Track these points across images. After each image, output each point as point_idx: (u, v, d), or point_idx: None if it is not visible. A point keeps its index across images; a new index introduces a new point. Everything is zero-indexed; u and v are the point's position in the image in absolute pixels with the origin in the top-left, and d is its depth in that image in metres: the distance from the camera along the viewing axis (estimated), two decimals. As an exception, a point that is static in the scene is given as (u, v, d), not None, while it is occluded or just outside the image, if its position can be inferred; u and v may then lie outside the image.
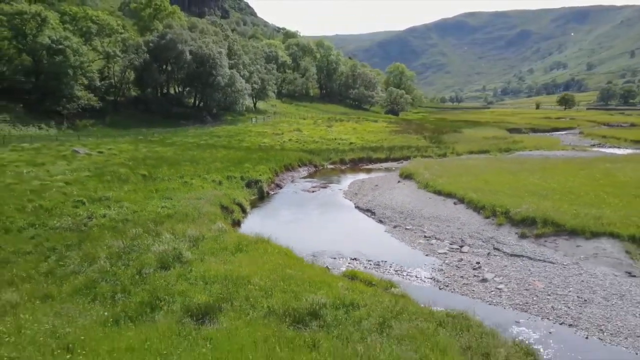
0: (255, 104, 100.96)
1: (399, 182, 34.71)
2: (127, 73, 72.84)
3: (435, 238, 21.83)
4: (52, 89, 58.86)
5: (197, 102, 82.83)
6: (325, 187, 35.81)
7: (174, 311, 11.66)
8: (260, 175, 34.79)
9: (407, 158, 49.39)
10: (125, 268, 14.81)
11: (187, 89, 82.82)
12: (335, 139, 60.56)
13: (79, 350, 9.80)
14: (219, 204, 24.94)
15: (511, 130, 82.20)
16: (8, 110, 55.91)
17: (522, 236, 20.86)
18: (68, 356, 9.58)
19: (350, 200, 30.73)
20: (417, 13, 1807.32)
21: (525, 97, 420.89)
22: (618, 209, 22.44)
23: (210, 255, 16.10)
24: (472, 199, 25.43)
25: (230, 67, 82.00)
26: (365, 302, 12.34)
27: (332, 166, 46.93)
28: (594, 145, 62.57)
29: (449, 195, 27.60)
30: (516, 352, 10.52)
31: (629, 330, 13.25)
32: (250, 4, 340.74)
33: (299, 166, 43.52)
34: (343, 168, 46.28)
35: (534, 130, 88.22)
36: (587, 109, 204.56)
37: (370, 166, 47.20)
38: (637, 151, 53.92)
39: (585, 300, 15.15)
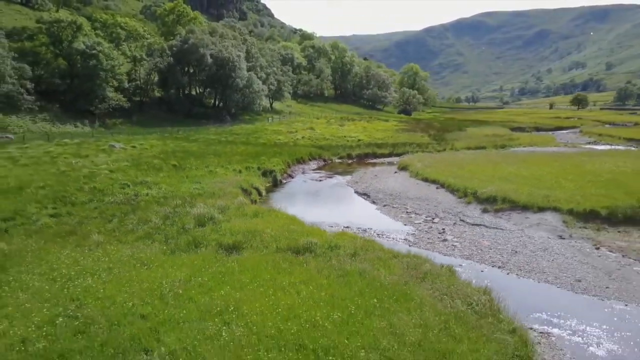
0: (271, 104, 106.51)
1: (395, 172, 39.84)
2: (152, 75, 78.83)
3: (415, 213, 26.91)
4: (86, 91, 64.78)
5: (217, 102, 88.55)
6: (331, 177, 41.00)
7: (211, 247, 16.99)
8: (274, 166, 40.10)
9: (409, 153, 54.35)
10: (172, 226, 20.17)
11: (208, 90, 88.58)
12: (345, 136, 65.71)
13: (151, 265, 15.13)
14: (239, 186, 30.26)
15: (515, 129, 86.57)
16: (47, 110, 61.86)
17: (484, 211, 25.93)
18: (145, 268, 14.91)
19: (351, 187, 35.88)
20: (434, 13, 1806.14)
21: (543, 97, 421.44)
22: (568, 190, 27.32)
23: (234, 218, 21.40)
24: (451, 183, 30.54)
25: (248, 70, 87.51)
26: (345, 244, 17.54)
27: (339, 160, 52.06)
28: (589, 143, 66.83)
29: (433, 181, 32.73)
30: (441, 269, 15.58)
31: (538, 270, 18.26)
32: (268, 6, 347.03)
33: (310, 160, 48.76)
34: (350, 162, 51.37)
35: (538, 129, 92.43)
36: (601, 109, 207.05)
37: (374, 160, 52.24)
38: (624, 148, 58.22)
39: (516, 252, 20.17)
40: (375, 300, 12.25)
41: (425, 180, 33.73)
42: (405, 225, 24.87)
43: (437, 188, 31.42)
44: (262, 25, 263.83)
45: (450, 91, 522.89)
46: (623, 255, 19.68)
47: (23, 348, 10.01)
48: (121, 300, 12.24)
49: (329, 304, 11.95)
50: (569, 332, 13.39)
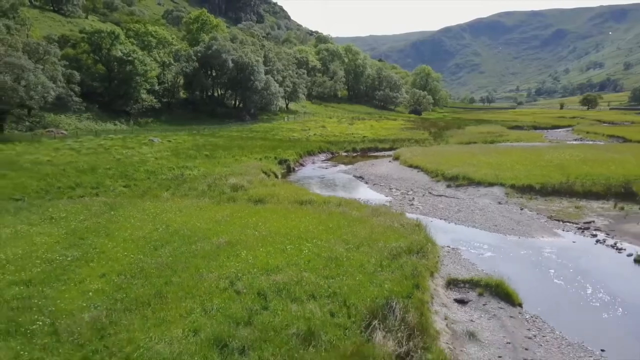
0: (287, 105, 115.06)
1: (389, 162, 47.94)
2: (178, 78, 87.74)
3: (396, 189, 34.98)
4: (122, 93, 73.71)
5: (237, 103, 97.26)
6: (335, 167, 49.16)
7: (243, 201, 25.33)
8: (288, 156, 48.41)
9: (406, 147, 62.26)
10: (214, 191, 28.55)
11: (229, 91, 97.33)
12: (352, 133, 73.84)
13: (206, 209, 23.44)
14: (260, 169, 38.59)
15: (513, 128, 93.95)
16: (89, 110, 70.75)
17: (448, 186, 33.95)
18: (202, 210, 23.21)
19: (351, 173, 44.02)
20: (451, 13, 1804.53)
21: (560, 97, 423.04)
22: (517, 172, 35.17)
23: (258, 187, 29.68)
24: (428, 167, 38.59)
25: (266, 73, 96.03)
26: (334, 200, 25.74)
27: (345, 154, 60.13)
28: (576, 140, 74.03)
29: (416, 167, 40.82)
30: (394, 212, 23.61)
31: (471, 220, 26.23)
32: (284, 8, 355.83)
33: (319, 153, 56.97)
34: (354, 155, 59.42)
35: (535, 127, 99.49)
36: (611, 108, 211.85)
37: (375, 154, 60.24)
38: (602, 143, 65.48)
39: (460, 211, 28.13)
40: (346, 223, 20.43)
41: (410, 166, 41.88)
42: (386, 196, 32.94)
43: (417, 172, 39.53)
44: (278, 28, 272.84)
45: (467, 91, 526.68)
46: (537, 214, 27.56)
47: (146, 237, 18.32)
48: (192, 223, 20.52)
49: (318, 224, 20.14)
50: (471, 248, 21.40)
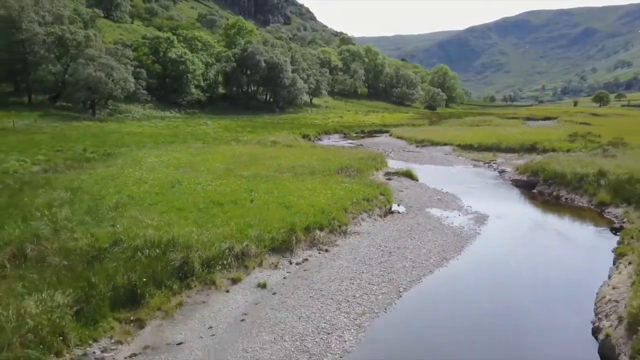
0: (311, 100, 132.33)
1: (385, 137, 64.57)
2: (218, 76, 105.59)
3: (382, 149, 51.64)
4: (175, 88, 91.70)
5: (268, 97, 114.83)
6: (344, 140, 65.87)
7: (280, 146, 42.47)
8: (310, 133, 65.35)
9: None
10: (260, 143, 45.65)
11: (261, 88, 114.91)
12: (364, 121, 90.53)
13: (263, 150, 40.51)
14: (290, 138, 55.60)
15: (509, 118, 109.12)
16: (149, 101, 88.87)
17: (417, 146, 50.54)
18: (256, 149, 40.24)
19: (355, 144, 60.64)
20: (478, 12, 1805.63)
21: (585, 96, 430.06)
22: (467, 138, 51.51)
23: (288, 142, 46.73)
24: (407, 137, 55.30)
25: (292, 72, 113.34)
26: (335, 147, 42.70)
27: (355, 134, 76.65)
28: (548, 124, 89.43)
29: (400, 138, 57.52)
30: (365, 154, 40.28)
31: (424, 162, 42.80)
32: (311, 9, 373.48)
33: (334, 133, 73.77)
34: (362, 135, 75.95)
35: (529, 118, 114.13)
36: (622, 106, 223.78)
37: (379, 135, 76.78)
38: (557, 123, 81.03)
39: (416, 157, 44.68)
40: (340, 153, 37.21)
41: (397, 137, 58.62)
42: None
43: (400, 140, 56.24)
44: (304, 29, 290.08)
45: (492, 91, 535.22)
46: (466, 158, 43.94)
47: (231, 155, 35.49)
48: (253, 152, 37.41)
49: (323, 152, 36.96)
50: (411, 169, 38.03)
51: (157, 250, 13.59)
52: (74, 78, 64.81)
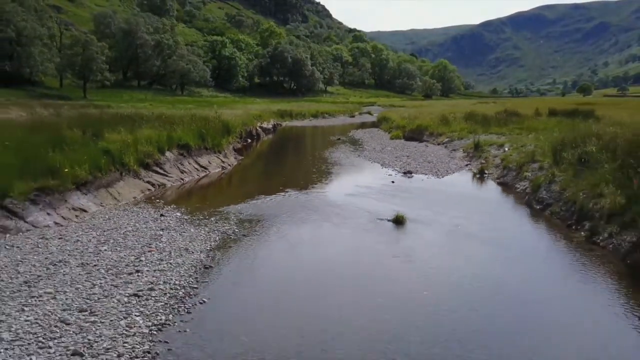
0: (326, 88, 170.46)
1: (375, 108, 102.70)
2: (255, 69, 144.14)
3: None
4: (227, 77, 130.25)
5: (292, 85, 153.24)
6: (345, 115, 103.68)
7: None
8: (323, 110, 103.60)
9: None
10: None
11: (287, 78, 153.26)
12: (364, 102, 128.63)
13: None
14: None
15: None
16: (211, 87, 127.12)
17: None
18: (303, 105, 78.59)
19: (353, 118, 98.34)
20: (492, 7, 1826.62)
21: (595, 89, 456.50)
22: (436, 111, 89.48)
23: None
24: (389, 117, 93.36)
25: (311, 65, 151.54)
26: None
27: (357, 112, 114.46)
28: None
29: (383, 118, 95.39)
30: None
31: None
32: (327, 7, 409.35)
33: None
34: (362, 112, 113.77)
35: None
36: (604, 96, 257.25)
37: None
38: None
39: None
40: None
41: (381, 105, 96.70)
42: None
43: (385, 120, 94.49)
44: (320, 27, 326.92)
45: (505, 84, 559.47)
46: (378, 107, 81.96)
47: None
48: (314, 109, 75.56)
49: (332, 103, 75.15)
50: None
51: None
52: (172, 69, 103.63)
